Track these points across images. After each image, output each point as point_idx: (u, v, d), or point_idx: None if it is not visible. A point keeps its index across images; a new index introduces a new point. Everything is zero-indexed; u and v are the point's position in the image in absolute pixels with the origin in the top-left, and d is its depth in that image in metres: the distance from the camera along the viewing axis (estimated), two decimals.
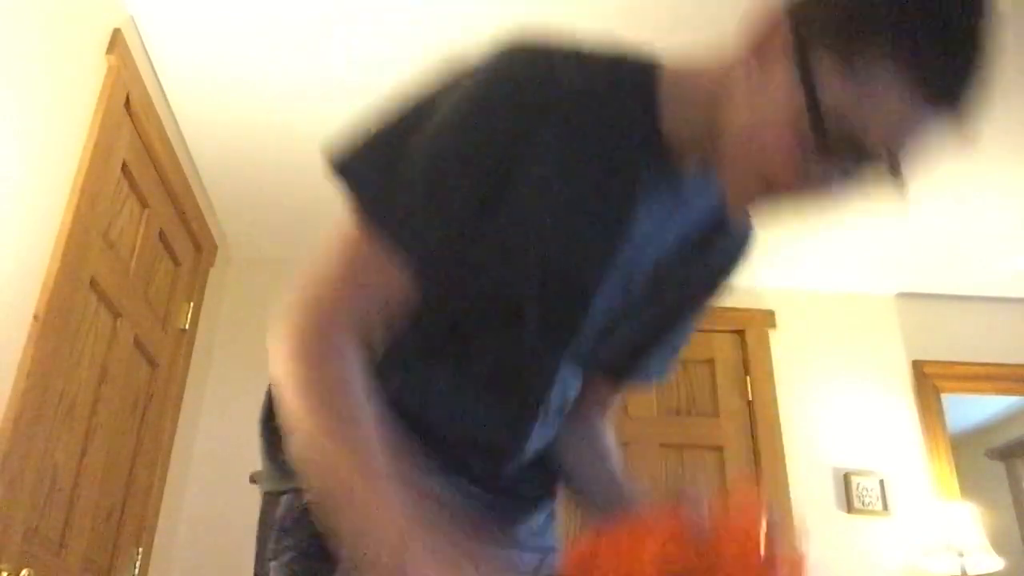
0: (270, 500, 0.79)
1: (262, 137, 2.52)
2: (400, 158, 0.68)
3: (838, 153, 0.60)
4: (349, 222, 0.69)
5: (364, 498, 0.62)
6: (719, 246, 0.82)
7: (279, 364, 0.69)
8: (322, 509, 0.66)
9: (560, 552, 0.88)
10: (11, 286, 1.61)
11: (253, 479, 0.84)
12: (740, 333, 3.26)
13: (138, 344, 2.35)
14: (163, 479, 2.57)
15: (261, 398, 0.83)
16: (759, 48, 0.66)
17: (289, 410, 0.68)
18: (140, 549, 2.42)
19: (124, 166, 2.13)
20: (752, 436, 3.10)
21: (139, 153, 2.23)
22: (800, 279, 3.33)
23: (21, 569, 1.65)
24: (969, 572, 2.72)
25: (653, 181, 0.71)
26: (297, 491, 0.74)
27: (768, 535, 0.52)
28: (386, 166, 0.69)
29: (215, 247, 2.99)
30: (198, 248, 2.83)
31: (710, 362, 3.23)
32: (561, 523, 0.92)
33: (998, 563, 2.74)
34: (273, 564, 0.74)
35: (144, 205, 2.33)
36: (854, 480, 2.99)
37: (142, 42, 2.16)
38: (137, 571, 2.39)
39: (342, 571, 0.68)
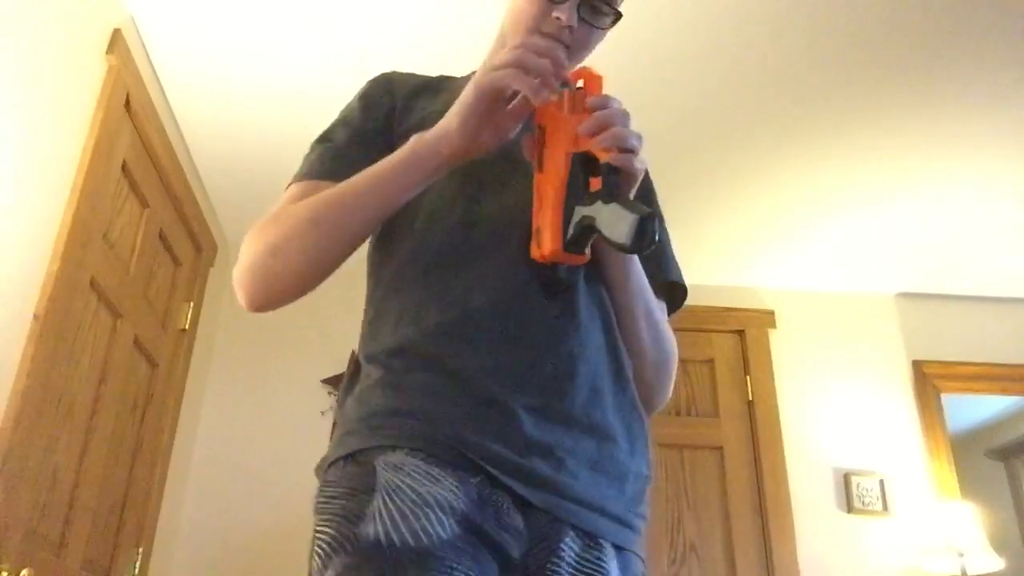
0: None
1: (262, 137, 2.52)
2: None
3: None
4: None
5: (375, 175, 0.81)
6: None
7: (248, 253, 0.87)
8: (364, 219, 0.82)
9: None
10: (11, 286, 1.61)
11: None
12: (740, 333, 3.26)
13: (138, 344, 2.35)
14: (163, 479, 2.57)
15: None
16: None
17: (277, 244, 0.83)
18: (140, 549, 2.41)
19: (124, 166, 2.13)
20: (752, 436, 3.10)
21: (139, 153, 2.23)
22: (800, 279, 3.33)
23: (21, 569, 1.65)
24: (969, 572, 2.72)
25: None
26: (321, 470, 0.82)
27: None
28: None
29: (215, 247, 2.99)
30: (198, 248, 2.83)
31: (710, 362, 3.23)
32: None
33: (998, 563, 2.74)
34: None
35: (144, 205, 2.33)
36: (854, 480, 2.99)
37: (142, 42, 2.16)
38: (137, 571, 2.39)
39: (342, 559, 0.70)
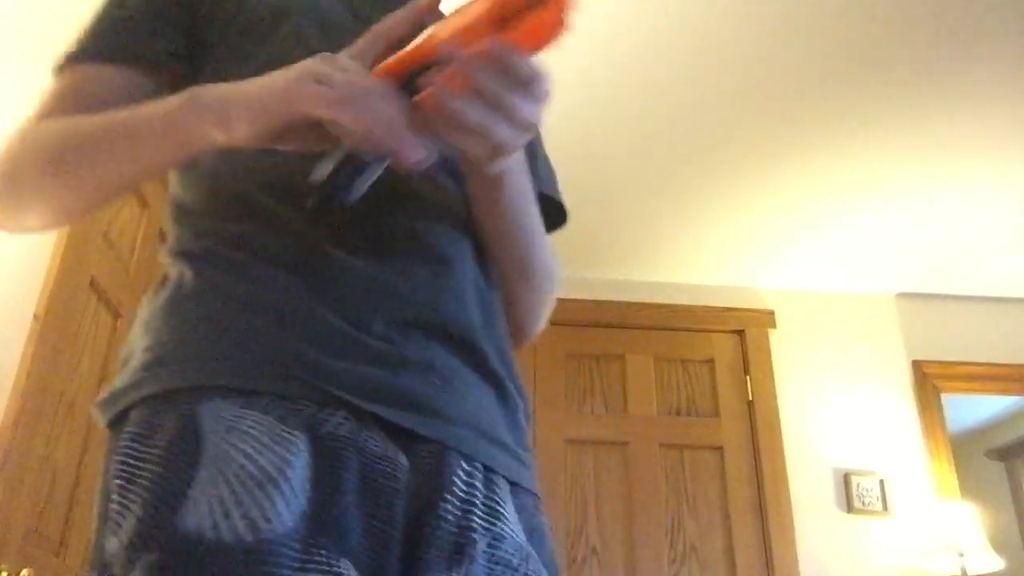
0: None
1: None
2: None
3: None
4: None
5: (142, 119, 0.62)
6: None
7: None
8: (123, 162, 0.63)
9: None
10: (11, 286, 1.61)
11: None
12: (740, 333, 3.26)
13: None
14: None
15: None
16: None
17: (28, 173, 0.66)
18: None
19: None
20: (752, 436, 3.10)
21: None
22: (800, 279, 3.33)
23: (21, 569, 1.65)
24: (969, 572, 2.72)
25: None
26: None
27: None
28: None
29: None
30: None
31: (710, 362, 3.23)
32: None
33: (998, 563, 2.74)
34: None
35: (144, 205, 2.33)
36: (854, 480, 2.99)
37: None
38: None
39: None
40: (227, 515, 0.51)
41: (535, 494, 0.70)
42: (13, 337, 1.63)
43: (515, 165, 0.70)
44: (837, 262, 3.21)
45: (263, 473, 0.53)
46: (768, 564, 2.89)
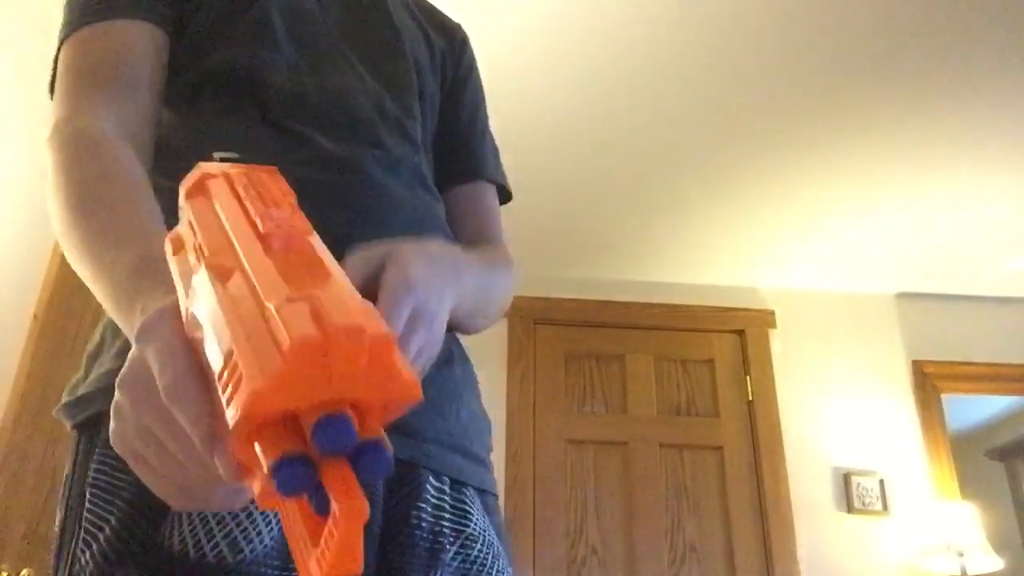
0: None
1: None
2: None
3: None
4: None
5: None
6: None
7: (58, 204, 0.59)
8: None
9: None
10: (11, 286, 1.61)
11: None
12: (740, 333, 3.26)
13: None
14: None
15: None
16: None
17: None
18: None
19: None
20: (752, 436, 3.10)
21: None
22: (800, 279, 3.33)
23: (21, 569, 1.65)
24: (969, 572, 2.72)
25: None
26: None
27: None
28: None
29: None
30: None
31: (710, 362, 3.23)
32: None
33: (998, 563, 2.74)
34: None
35: None
36: (854, 480, 2.99)
37: None
38: None
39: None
40: (210, 535, 0.50)
41: (495, 494, 0.73)
42: (13, 337, 1.63)
43: (469, 280, 0.62)
44: (837, 262, 3.21)
45: None
46: (768, 564, 2.89)
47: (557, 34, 2.11)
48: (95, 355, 0.63)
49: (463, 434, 0.70)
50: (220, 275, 0.33)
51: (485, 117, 0.95)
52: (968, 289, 3.34)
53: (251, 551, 0.50)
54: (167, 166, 0.66)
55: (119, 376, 0.38)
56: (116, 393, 0.38)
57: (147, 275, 0.46)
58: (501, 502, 0.78)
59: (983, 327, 3.34)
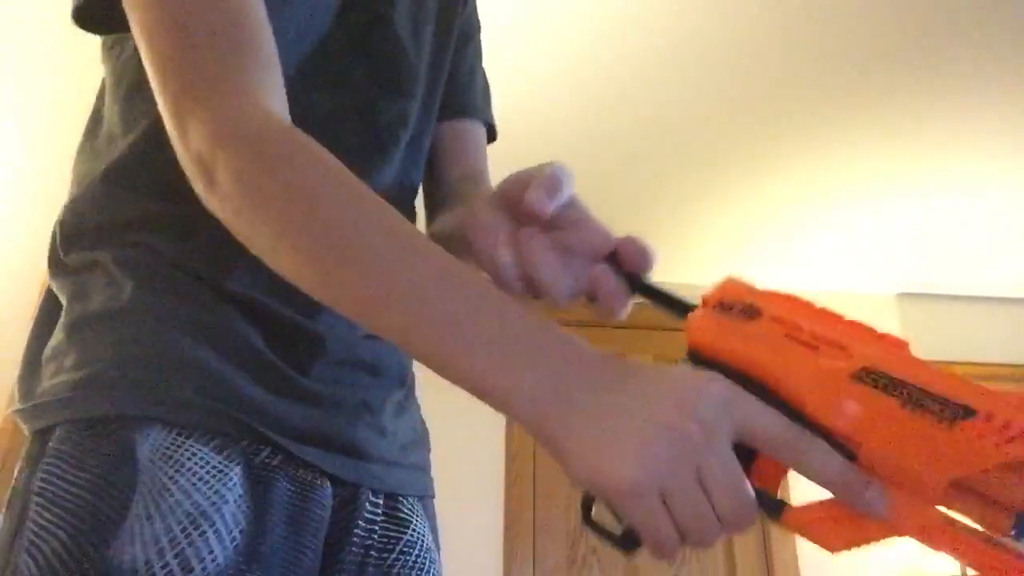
0: None
1: None
2: None
3: None
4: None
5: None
6: None
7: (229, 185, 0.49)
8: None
9: None
10: (11, 286, 1.61)
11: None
12: None
13: None
14: None
15: None
16: None
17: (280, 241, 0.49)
18: None
19: None
20: None
21: None
22: (800, 279, 3.33)
23: None
24: (969, 572, 2.71)
25: None
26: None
27: None
28: None
29: None
30: None
31: None
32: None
33: None
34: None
35: None
36: None
37: None
38: None
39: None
40: (161, 553, 0.49)
41: (432, 496, 0.75)
42: (13, 337, 1.63)
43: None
44: (837, 262, 3.21)
45: (197, 509, 0.51)
46: (768, 564, 2.89)
47: (557, 33, 2.11)
48: (52, 357, 0.58)
49: (407, 447, 0.72)
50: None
51: (477, 52, 0.91)
52: (968, 289, 3.34)
53: (202, 570, 0.50)
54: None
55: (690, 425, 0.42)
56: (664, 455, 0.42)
57: (551, 327, 0.47)
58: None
59: (983, 327, 3.34)
